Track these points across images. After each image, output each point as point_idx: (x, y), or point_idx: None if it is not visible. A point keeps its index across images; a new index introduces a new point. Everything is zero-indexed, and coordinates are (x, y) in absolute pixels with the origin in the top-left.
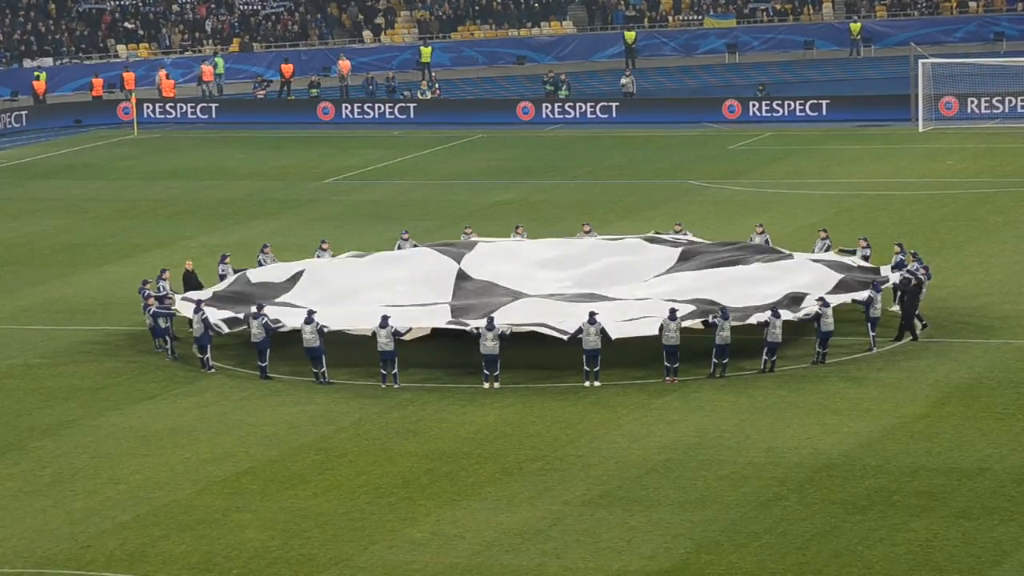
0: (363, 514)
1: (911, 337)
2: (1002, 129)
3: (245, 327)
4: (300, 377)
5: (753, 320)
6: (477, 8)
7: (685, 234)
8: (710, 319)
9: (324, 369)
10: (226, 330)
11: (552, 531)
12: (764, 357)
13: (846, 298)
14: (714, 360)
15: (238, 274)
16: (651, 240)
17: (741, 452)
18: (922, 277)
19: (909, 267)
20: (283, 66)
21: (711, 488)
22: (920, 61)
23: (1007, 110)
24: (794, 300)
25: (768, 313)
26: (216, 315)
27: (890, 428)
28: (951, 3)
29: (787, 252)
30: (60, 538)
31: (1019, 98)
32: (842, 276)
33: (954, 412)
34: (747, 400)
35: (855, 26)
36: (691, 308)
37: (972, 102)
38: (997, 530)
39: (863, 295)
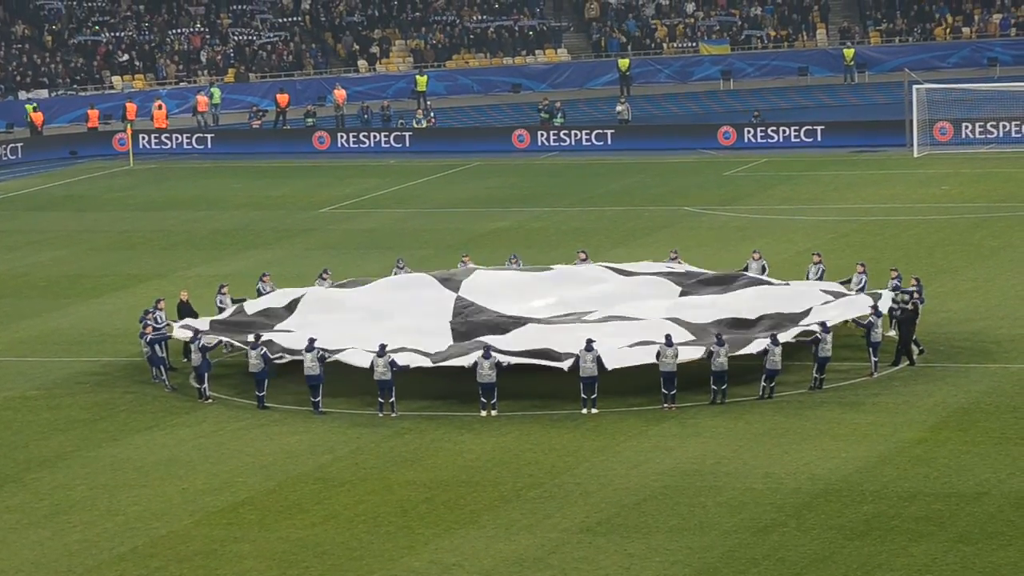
0: (361, 543)
1: (908, 362)
2: (997, 154)
3: (244, 348)
4: (298, 407)
5: (753, 349)
6: (472, 37)
7: (680, 262)
8: (708, 349)
9: (319, 399)
10: (226, 341)
11: (551, 559)
12: (762, 383)
13: (848, 315)
14: (713, 387)
15: (235, 306)
16: (653, 273)
17: (739, 478)
18: (917, 302)
19: (901, 294)
20: (278, 96)
21: (709, 515)
22: (914, 87)
23: (1002, 135)
24: (791, 320)
25: (767, 340)
26: (216, 338)
27: (888, 453)
28: (944, 29)
29: (783, 282)
30: (58, 571)
31: (1013, 123)
32: (840, 298)
33: (952, 437)
34: (745, 426)
35: (849, 52)
36: (688, 336)
37: (967, 127)
38: (996, 555)
39: (865, 315)
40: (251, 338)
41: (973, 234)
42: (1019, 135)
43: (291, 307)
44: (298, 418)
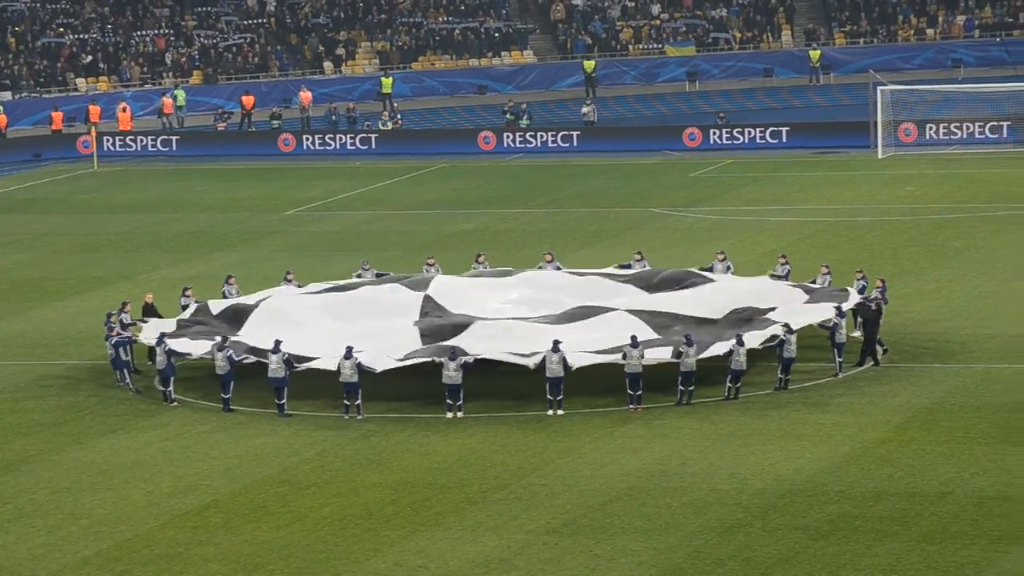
0: (327, 546)
1: (873, 363)
2: (961, 155)
3: (211, 355)
4: (263, 410)
5: (718, 350)
6: (438, 39)
7: (644, 264)
8: (676, 350)
9: (284, 401)
10: (195, 356)
11: (516, 560)
12: (728, 384)
13: (813, 319)
14: (680, 387)
15: (198, 305)
16: (616, 278)
17: (704, 479)
18: (881, 302)
19: (867, 293)
20: (244, 98)
21: (675, 515)
22: (879, 88)
23: (965, 136)
24: (759, 317)
25: (732, 341)
26: (182, 345)
27: (853, 453)
28: (909, 30)
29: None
30: (21, 575)
31: (977, 124)
32: (810, 296)
33: (916, 437)
34: (710, 427)
35: (814, 53)
36: (655, 336)
37: (931, 128)
38: (959, 554)
39: (829, 318)
40: (218, 339)
41: (937, 235)
42: (983, 136)
43: (253, 310)
44: (263, 421)
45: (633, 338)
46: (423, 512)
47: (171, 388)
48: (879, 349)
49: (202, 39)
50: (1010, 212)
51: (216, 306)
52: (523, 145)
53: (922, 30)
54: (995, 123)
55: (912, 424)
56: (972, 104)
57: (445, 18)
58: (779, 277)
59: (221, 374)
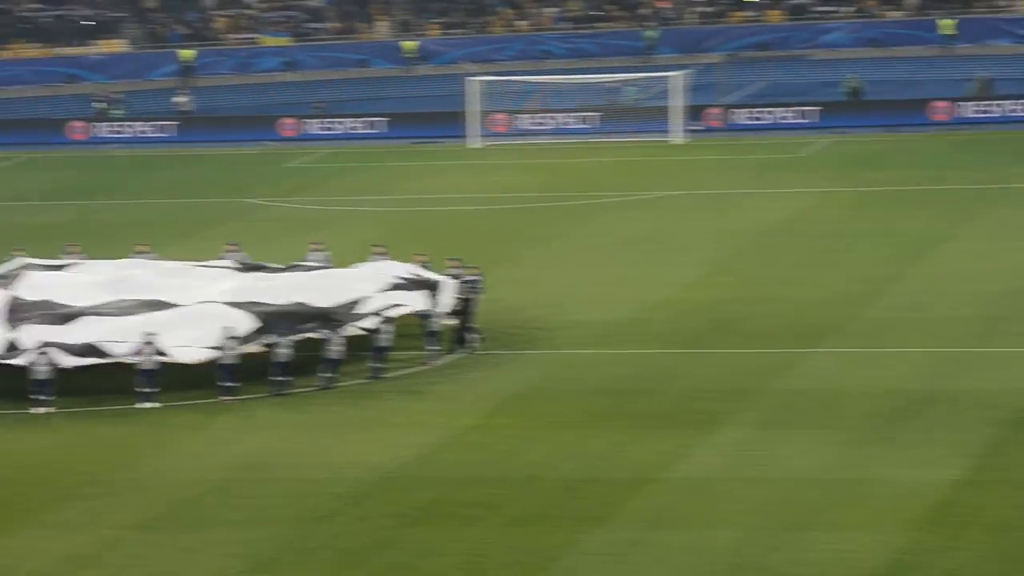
0: None
1: (466, 350)
2: (550, 145)
3: None
4: None
5: (313, 335)
6: (27, 26)
7: (239, 253)
8: (270, 340)
9: None
10: None
11: (105, 556)
12: (322, 374)
13: (406, 309)
14: (274, 378)
15: None
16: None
17: (298, 470)
18: (476, 290)
19: (464, 279)
20: None
21: (268, 506)
22: (470, 79)
23: (556, 127)
24: (356, 306)
25: (328, 330)
26: None
27: (445, 440)
28: (500, 22)
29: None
30: None
31: (564, 115)
32: (406, 284)
33: (507, 423)
34: (305, 417)
35: (409, 44)
36: (249, 326)
37: (522, 119)
38: (545, 536)
39: (422, 306)
40: None
41: (529, 224)
42: (570, 127)
43: None
44: None
45: (228, 328)
46: (12, 509)
47: None
48: (473, 337)
49: None
50: (598, 201)
51: None
52: (116, 135)
53: (514, 22)
54: (584, 114)
55: (503, 410)
56: (561, 95)
57: (34, 5)
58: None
59: None
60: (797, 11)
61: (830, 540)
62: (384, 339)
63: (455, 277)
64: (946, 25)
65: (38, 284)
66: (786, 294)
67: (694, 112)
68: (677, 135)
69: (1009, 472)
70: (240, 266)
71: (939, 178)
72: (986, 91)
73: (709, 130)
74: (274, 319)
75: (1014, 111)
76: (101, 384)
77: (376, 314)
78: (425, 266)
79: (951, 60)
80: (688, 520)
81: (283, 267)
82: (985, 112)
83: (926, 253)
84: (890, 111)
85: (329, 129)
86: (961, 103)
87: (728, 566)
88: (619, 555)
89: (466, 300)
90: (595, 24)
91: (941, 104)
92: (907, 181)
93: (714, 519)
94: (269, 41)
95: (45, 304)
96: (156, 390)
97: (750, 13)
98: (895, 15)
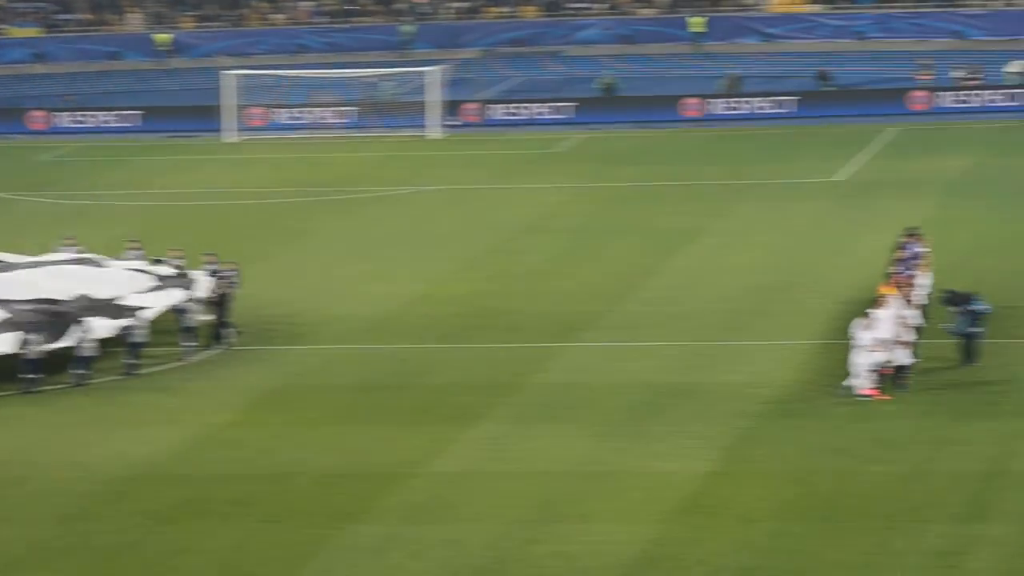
0: None
1: (222, 345)
2: (307, 139)
3: None
4: None
5: (68, 338)
6: None
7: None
8: (21, 338)
9: None
10: None
11: None
12: (74, 371)
13: (164, 304)
14: (23, 375)
15: None
16: None
17: (47, 468)
18: (232, 285)
19: (220, 274)
20: None
21: (15, 506)
22: (225, 73)
23: (313, 120)
24: (110, 302)
25: (81, 330)
26: None
27: (200, 437)
28: (256, 15)
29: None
30: None
31: (321, 109)
32: (158, 283)
33: (264, 419)
34: (56, 415)
35: (163, 37)
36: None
37: (279, 113)
38: (303, 532)
39: (179, 303)
40: None
41: (286, 218)
42: (328, 121)
43: None
44: None
45: None
46: None
47: None
48: (229, 332)
49: None
50: (355, 196)
51: None
52: None
53: (270, 15)
54: (342, 108)
55: (260, 406)
56: (317, 89)
57: None
58: (133, 261)
59: None
60: (552, 7)
61: (586, 532)
62: (138, 335)
63: (211, 272)
64: (696, 23)
65: None
66: (542, 288)
67: (451, 107)
68: (435, 130)
69: (756, 464)
70: None
71: (690, 174)
72: (735, 88)
73: (466, 125)
74: (23, 315)
75: (762, 108)
76: None
77: (129, 310)
78: (179, 261)
79: (701, 58)
80: (445, 514)
81: (27, 261)
82: (734, 109)
83: (678, 248)
84: (643, 108)
85: (81, 122)
86: (711, 100)
87: (486, 559)
88: (376, 550)
89: (222, 295)
90: (351, 19)
91: (692, 101)
92: (659, 177)
93: (471, 513)
94: (17, 32)
95: None
96: None
97: (505, 9)
98: (647, 12)
